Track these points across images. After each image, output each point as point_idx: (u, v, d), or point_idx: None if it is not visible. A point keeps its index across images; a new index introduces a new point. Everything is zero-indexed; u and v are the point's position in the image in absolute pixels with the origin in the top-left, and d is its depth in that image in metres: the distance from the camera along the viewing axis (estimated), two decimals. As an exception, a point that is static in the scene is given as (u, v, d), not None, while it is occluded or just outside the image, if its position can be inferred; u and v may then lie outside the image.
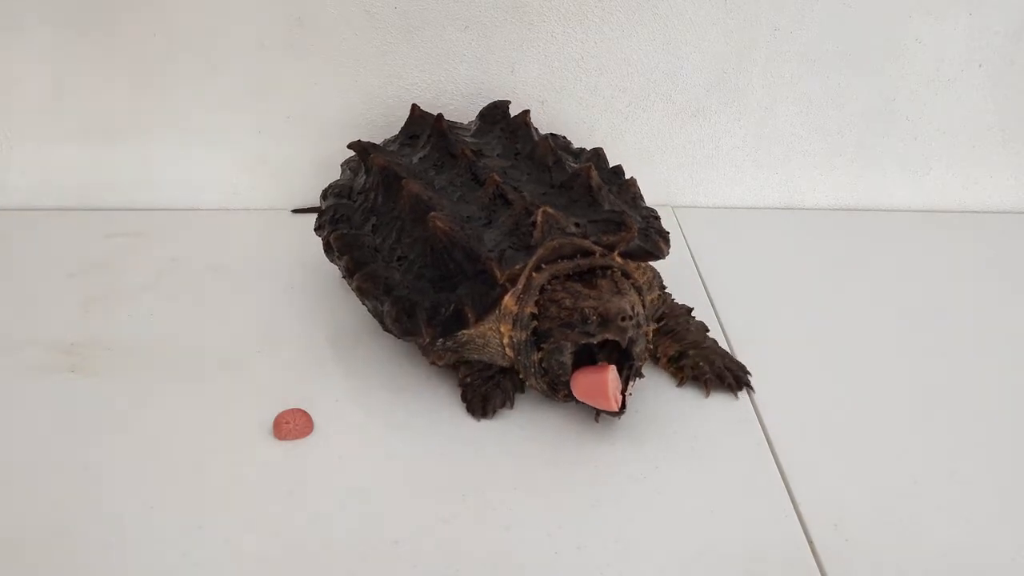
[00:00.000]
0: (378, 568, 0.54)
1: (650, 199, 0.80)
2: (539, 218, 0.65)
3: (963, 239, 1.00)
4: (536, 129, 0.85)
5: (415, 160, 0.79)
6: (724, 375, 0.70)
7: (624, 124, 1.00)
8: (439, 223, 0.66)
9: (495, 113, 0.88)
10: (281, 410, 0.66)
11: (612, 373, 0.62)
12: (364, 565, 0.54)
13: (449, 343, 0.68)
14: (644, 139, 1.01)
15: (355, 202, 0.78)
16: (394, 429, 0.66)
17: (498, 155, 0.80)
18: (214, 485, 0.60)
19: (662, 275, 0.75)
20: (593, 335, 0.61)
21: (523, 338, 0.65)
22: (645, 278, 0.71)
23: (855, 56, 0.98)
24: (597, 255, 0.66)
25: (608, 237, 0.67)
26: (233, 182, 1.00)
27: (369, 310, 0.72)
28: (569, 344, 0.62)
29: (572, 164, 0.78)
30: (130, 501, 0.58)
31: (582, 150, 0.84)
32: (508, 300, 0.65)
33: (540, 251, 0.65)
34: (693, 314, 0.75)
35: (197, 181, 1.00)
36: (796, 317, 0.82)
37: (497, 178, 0.71)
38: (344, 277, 0.76)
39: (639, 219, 0.72)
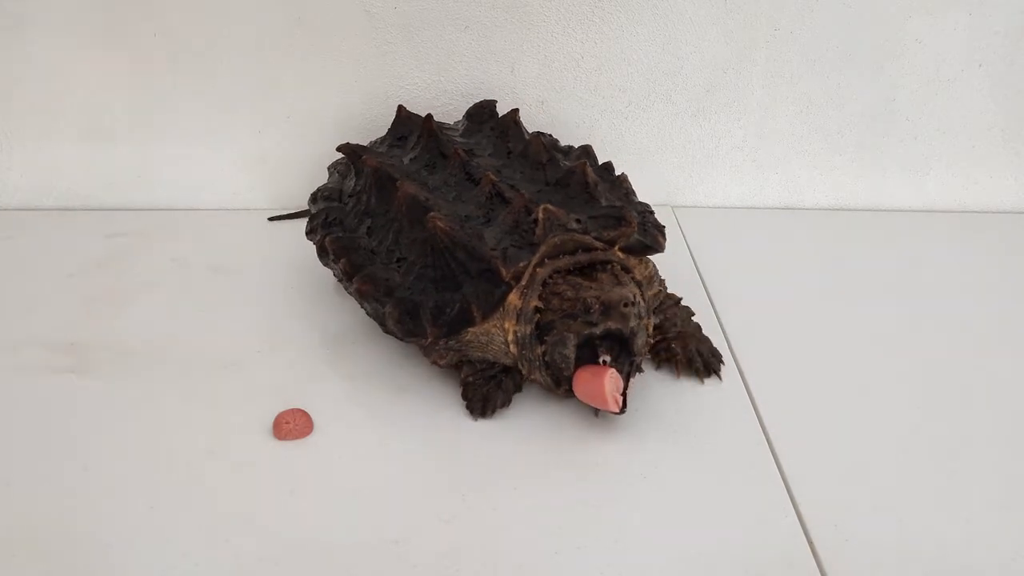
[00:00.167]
0: (378, 568, 0.54)
1: (650, 199, 0.80)
2: (540, 215, 0.66)
3: (963, 239, 1.00)
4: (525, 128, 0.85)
5: (406, 161, 0.79)
6: (694, 359, 0.71)
7: (624, 124, 1.00)
8: (440, 223, 0.66)
9: (482, 112, 0.88)
10: (281, 410, 0.66)
11: (610, 375, 0.62)
12: (364, 565, 0.54)
13: (452, 342, 0.68)
14: (644, 139, 1.01)
15: (347, 205, 0.78)
16: (394, 429, 0.66)
17: (489, 154, 0.80)
18: (214, 485, 0.60)
19: (662, 275, 0.75)
20: (596, 324, 0.62)
21: (527, 332, 0.65)
22: (644, 274, 0.72)
23: (855, 56, 0.98)
24: (598, 250, 0.66)
25: (608, 232, 0.67)
26: (233, 182, 1.00)
27: (368, 312, 0.72)
28: (572, 335, 0.62)
29: (564, 162, 0.78)
30: (130, 501, 0.58)
31: (570, 148, 0.85)
32: (512, 297, 0.65)
33: (542, 248, 0.65)
34: (684, 303, 0.76)
35: (197, 181, 1.00)
36: (796, 317, 0.82)
37: (493, 177, 0.71)
38: (341, 280, 0.76)
39: (635, 214, 0.73)
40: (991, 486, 0.62)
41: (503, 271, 0.64)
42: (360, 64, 0.95)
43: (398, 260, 0.70)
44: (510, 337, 0.66)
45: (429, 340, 0.67)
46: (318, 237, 0.77)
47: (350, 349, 0.75)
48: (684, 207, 1.04)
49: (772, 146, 1.02)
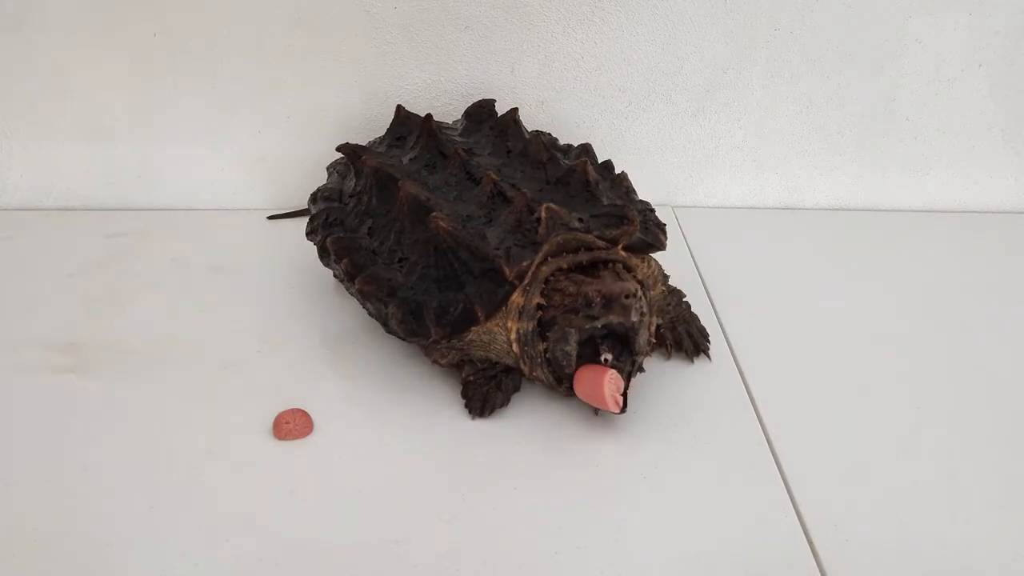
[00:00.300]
0: (378, 568, 0.54)
1: (650, 199, 0.80)
2: (543, 214, 0.66)
3: (963, 239, 1.00)
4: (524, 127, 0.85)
5: (405, 161, 0.79)
6: (683, 341, 0.73)
7: (624, 124, 1.00)
8: (442, 223, 0.66)
9: (481, 112, 0.88)
10: (281, 410, 0.66)
11: (609, 376, 0.62)
12: (364, 565, 0.54)
13: (454, 341, 0.68)
14: (644, 139, 1.01)
15: (347, 205, 0.78)
16: (394, 429, 0.66)
17: (489, 153, 0.80)
18: (214, 485, 0.60)
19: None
20: (598, 317, 0.62)
21: (529, 328, 0.65)
22: (646, 273, 0.72)
23: (855, 56, 0.98)
24: (600, 250, 0.66)
25: (611, 231, 0.67)
26: (233, 182, 1.00)
27: (371, 313, 0.72)
28: (574, 331, 0.62)
29: (564, 160, 0.78)
30: (130, 501, 0.58)
31: (569, 146, 0.85)
32: (515, 296, 0.65)
33: (545, 247, 0.65)
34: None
35: (197, 181, 1.00)
36: (796, 317, 0.82)
37: (494, 176, 0.71)
38: (342, 281, 0.76)
39: (636, 212, 0.73)
40: (991, 486, 0.62)
41: (506, 270, 0.64)
42: (360, 64, 0.95)
43: (400, 260, 0.70)
44: (513, 336, 0.66)
45: (432, 340, 0.67)
46: (319, 238, 0.76)
47: (350, 349, 0.75)
48: (684, 207, 1.04)
49: (772, 146, 1.02)
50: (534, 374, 0.67)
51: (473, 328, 0.66)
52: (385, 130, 0.88)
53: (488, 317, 0.65)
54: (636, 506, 0.59)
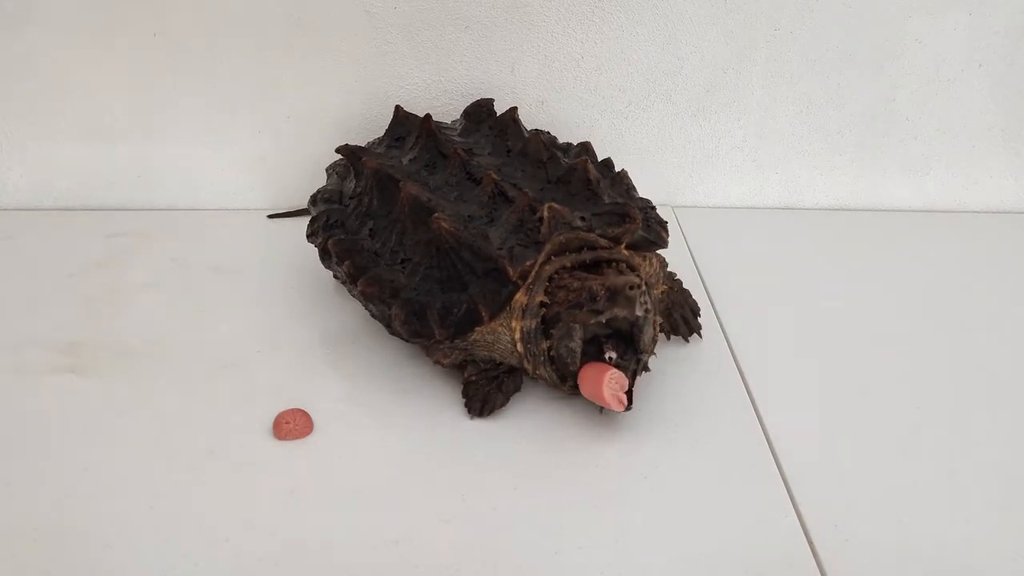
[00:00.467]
0: (378, 568, 0.54)
1: (650, 199, 0.80)
2: (546, 213, 0.66)
3: (963, 239, 1.00)
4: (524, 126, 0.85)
5: (405, 161, 0.79)
6: (679, 326, 0.76)
7: (624, 124, 1.00)
8: (444, 224, 0.66)
9: (480, 111, 0.88)
10: (281, 410, 0.66)
11: (610, 376, 0.62)
12: (364, 565, 0.54)
13: (457, 342, 0.68)
14: (644, 139, 1.01)
15: (347, 207, 0.78)
16: (394, 429, 0.66)
17: (489, 153, 0.80)
18: (214, 485, 0.60)
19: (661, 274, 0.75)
20: (602, 311, 0.62)
21: (533, 326, 0.65)
22: (649, 272, 0.72)
23: (855, 56, 0.98)
24: (603, 248, 0.66)
25: (613, 229, 0.67)
26: (233, 182, 1.00)
27: (374, 314, 0.72)
28: (578, 326, 0.62)
29: (564, 159, 0.78)
30: (130, 501, 0.58)
31: (569, 145, 0.84)
32: (519, 295, 0.65)
33: (548, 246, 0.65)
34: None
35: (197, 181, 1.00)
36: (796, 317, 0.82)
37: (495, 176, 0.71)
38: (344, 283, 0.75)
39: (638, 210, 0.73)
40: (991, 486, 0.62)
41: (510, 270, 0.64)
42: (360, 64, 0.95)
43: (402, 261, 0.70)
44: (517, 335, 0.66)
45: (435, 340, 0.67)
46: (320, 240, 0.76)
47: (350, 349, 0.75)
48: (684, 207, 1.04)
49: (772, 146, 1.02)
50: (538, 372, 0.67)
51: (477, 328, 0.66)
52: (384, 131, 0.88)
53: (492, 317, 0.65)
54: (637, 506, 0.59)
